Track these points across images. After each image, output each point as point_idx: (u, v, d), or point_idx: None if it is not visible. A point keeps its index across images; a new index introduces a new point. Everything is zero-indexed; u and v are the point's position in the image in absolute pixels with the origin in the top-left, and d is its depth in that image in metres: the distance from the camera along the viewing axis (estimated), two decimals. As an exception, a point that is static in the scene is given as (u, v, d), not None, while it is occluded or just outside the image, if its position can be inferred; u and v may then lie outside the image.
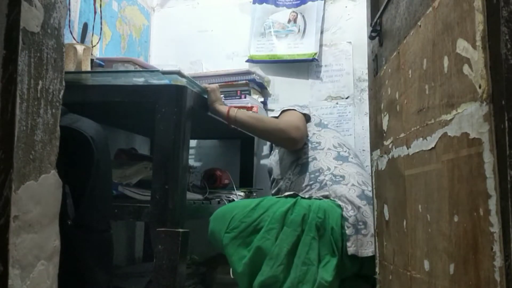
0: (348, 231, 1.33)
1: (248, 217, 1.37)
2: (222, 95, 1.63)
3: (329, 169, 1.53)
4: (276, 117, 1.65)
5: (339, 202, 1.40)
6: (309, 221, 1.33)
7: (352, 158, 1.60)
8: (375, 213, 1.08)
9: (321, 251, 1.32)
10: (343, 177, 1.49)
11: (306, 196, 1.47)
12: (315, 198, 1.45)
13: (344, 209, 1.38)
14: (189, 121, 1.34)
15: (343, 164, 1.54)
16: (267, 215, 1.36)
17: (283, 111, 1.67)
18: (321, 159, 1.57)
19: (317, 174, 1.53)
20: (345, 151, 1.61)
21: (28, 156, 0.67)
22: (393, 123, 0.89)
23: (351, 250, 1.31)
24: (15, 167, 0.64)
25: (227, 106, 1.58)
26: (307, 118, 1.67)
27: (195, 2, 2.49)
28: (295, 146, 1.61)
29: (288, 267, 1.30)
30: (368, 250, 1.32)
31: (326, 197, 1.45)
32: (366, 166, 1.63)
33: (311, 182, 1.53)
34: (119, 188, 1.39)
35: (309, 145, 1.62)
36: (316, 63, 2.20)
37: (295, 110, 1.65)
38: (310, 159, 1.59)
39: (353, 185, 1.45)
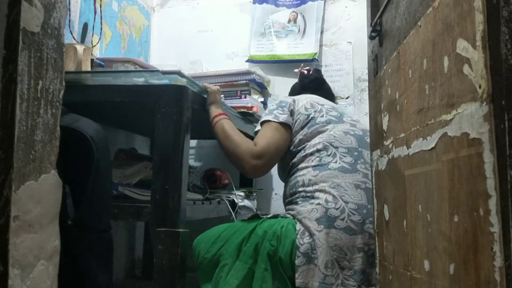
0: (297, 261, 1.25)
1: (208, 252, 1.37)
2: (222, 95, 1.62)
3: (303, 184, 1.39)
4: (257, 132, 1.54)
5: (298, 226, 1.31)
6: (261, 251, 1.30)
7: (337, 160, 1.40)
8: (375, 213, 1.08)
9: (274, 283, 1.27)
10: (312, 194, 1.36)
11: (284, 213, 1.43)
12: (282, 217, 1.39)
13: (299, 235, 1.28)
14: (189, 121, 1.34)
15: (319, 174, 1.38)
16: (224, 248, 1.35)
17: (261, 123, 1.53)
18: (301, 169, 1.43)
19: (294, 189, 1.42)
20: (330, 153, 1.41)
21: (28, 156, 0.67)
22: (393, 123, 0.89)
23: (298, 282, 1.23)
24: (15, 167, 0.64)
25: (218, 112, 1.53)
26: (286, 126, 1.50)
27: (195, 2, 2.49)
28: (251, 176, 1.57)
29: None
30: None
31: (294, 216, 1.36)
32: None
33: (290, 198, 1.44)
34: (119, 188, 1.39)
35: (295, 151, 1.48)
36: (316, 63, 2.20)
37: (270, 121, 1.49)
38: (293, 169, 1.46)
39: (318, 204, 1.31)
